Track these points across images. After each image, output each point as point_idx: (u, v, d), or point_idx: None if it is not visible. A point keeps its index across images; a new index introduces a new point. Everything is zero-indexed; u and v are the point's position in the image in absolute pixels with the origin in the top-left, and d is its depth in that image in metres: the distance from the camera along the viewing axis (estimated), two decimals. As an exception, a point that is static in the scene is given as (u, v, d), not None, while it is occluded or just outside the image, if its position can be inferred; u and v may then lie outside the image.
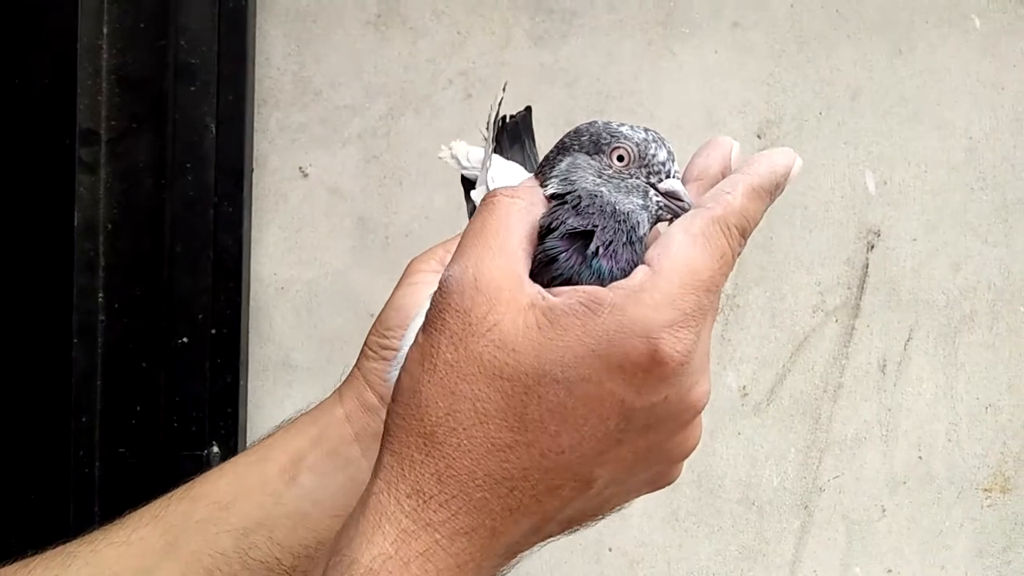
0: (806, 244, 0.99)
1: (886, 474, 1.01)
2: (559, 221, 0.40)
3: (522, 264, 0.38)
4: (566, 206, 0.41)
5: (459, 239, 0.39)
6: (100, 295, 0.88)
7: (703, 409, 0.38)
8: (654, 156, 0.42)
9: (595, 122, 0.43)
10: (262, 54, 0.92)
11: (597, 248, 0.40)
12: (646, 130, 0.43)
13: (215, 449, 0.87)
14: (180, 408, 0.89)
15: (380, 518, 0.35)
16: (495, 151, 0.49)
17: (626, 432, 0.36)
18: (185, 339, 0.89)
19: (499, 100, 0.48)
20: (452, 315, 0.36)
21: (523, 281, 0.37)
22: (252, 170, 0.92)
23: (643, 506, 0.98)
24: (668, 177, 0.42)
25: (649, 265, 0.37)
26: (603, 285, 0.38)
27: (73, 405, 0.87)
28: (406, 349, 0.39)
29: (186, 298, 0.88)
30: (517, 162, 0.50)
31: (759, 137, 0.97)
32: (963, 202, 1.00)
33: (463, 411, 0.35)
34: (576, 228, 0.40)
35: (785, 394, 1.00)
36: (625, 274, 0.39)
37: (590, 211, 0.41)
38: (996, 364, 1.01)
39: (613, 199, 0.41)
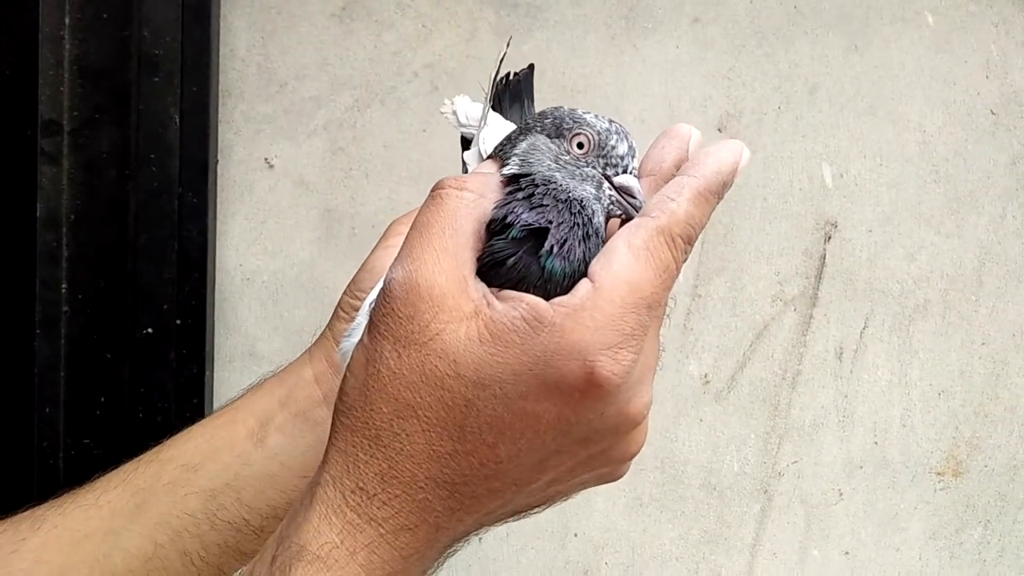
0: (765, 235, 1.01)
1: (843, 459, 1.03)
2: (514, 215, 0.39)
3: (468, 266, 0.37)
4: (520, 195, 0.40)
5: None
6: (63, 286, 0.87)
7: (644, 419, 0.39)
8: (614, 148, 0.41)
9: (561, 107, 0.43)
10: (226, 45, 0.92)
11: (551, 247, 0.38)
12: (611, 121, 0.42)
13: (181, 440, 0.87)
14: (145, 399, 0.88)
15: (327, 509, 0.36)
16: (494, 108, 0.47)
17: (564, 444, 0.37)
18: (150, 330, 0.88)
19: (501, 56, 0.47)
20: (395, 321, 0.36)
21: (468, 286, 0.37)
22: (217, 161, 0.92)
23: (607, 492, 0.99)
24: (625, 172, 0.41)
25: (591, 280, 0.37)
26: (554, 285, 0.38)
27: (36, 396, 0.86)
28: (358, 332, 0.39)
29: (151, 289, 0.88)
30: (515, 122, 0.49)
31: (720, 131, 0.99)
32: (917, 194, 1.02)
33: (406, 418, 0.36)
34: (530, 225, 0.39)
35: (745, 382, 1.01)
36: (577, 273, 0.38)
37: (544, 202, 0.39)
38: (948, 351, 1.03)
39: (567, 185, 0.40)
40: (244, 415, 0.49)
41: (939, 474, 1.05)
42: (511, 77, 0.50)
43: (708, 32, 0.97)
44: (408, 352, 0.35)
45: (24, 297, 0.86)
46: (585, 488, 0.41)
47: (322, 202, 0.95)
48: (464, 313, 0.36)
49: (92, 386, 0.88)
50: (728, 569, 1.03)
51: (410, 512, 0.36)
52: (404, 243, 0.38)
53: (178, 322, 0.89)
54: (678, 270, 0.38)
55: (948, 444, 1.05)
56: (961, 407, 1.04)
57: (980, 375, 1.04)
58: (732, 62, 0.98)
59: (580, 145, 0.41)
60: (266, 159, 0.94)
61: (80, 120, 0.86)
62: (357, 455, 0.36)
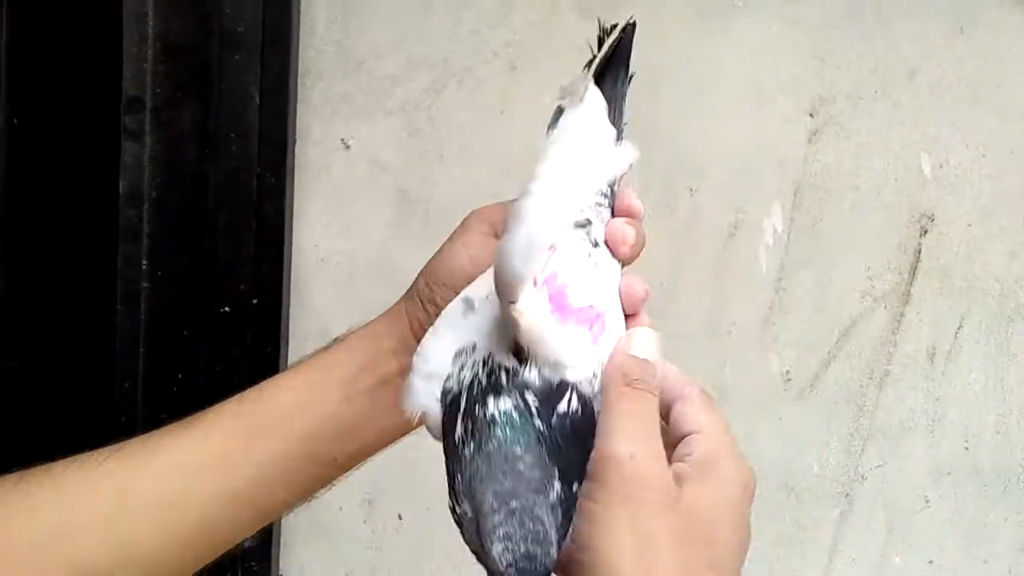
0: (856, 227, 0.96)
1: (931, 464, 0.99)
2: None
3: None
4: None
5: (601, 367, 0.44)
6: (144, 262, 0.88)
7: None
8: None
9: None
10: (306, 23, 0.92)
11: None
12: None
13: (254, 418, 0.88)
14: (221, 377, 0.89)
15: None
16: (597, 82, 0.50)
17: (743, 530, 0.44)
18: (227, 308, 0.89)
19: (613, 38, 0.50)
20: (643, 492, 0.41)
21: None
22: (295, 141, 0.92)
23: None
24: None
25: (700, 432, 0.44)
26: None
27: (117, 371, 0.88)
28: (438, 347, 0.42)
29: (229, 268, 0.89)
30: (607, 98, 0.51)
31: (811, 116, 0.95)
32: (1021, 188, 0.96)
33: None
34: None
35: (830, 380, 0.98)
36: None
37: None
38: (1050, 355, 0.98)
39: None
40: (336, 374, 0.52)
41: (1035, 484, 1.00)
42: (618, 32, 0.52)
43: (801, 11, 0.93)
44: (662, 515, 0.41)
45: (106, 273, 0.87)
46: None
47: (397, 184, 0.94)
48: (669, 486, 0.42)
49: (170, 362, 0.89)
50: (804, 573, 1.00)
51: None
52: (609, 429, 0.42)
53: (255, 301, 0.89)
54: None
55: (1045, 453, 0.99)
56: (1062, 415, 0.99)
57: (1084, 381, 0.98)
58: (826, 43, 0.94)
59: None
60: (342, 139, 0.94)
61: (162, 98, 0.87)
62: None
